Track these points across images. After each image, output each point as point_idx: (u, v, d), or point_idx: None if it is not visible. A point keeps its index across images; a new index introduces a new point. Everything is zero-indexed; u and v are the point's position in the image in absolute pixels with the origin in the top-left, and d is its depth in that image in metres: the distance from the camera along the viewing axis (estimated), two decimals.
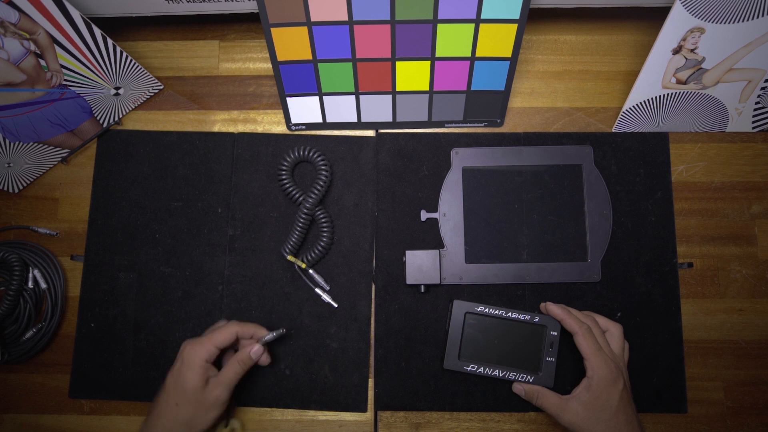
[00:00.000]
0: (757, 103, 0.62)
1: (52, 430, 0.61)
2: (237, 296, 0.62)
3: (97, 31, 0.56)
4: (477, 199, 0.63)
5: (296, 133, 0.66)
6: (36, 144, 0.61)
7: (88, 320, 0.62)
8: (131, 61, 0.61)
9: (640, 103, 0.62)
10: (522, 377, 0.57)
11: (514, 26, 0.56)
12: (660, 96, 0.61)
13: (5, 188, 0.64)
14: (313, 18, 0.55)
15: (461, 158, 0.63)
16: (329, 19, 0.55)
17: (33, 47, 0.53)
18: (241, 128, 0.67)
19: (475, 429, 0.60)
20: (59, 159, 0.66)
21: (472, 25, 0.56)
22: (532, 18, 0.59)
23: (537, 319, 0.58)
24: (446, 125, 0.66)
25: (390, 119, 0.66)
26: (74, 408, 0.62)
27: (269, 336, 0.55)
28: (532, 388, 0.56)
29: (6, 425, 0.62)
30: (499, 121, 0.66)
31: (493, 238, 0.62)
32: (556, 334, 0.58)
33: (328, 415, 0.61)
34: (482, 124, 0.66)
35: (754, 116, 0.64)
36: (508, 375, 0.57)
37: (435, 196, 0.63)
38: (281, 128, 0.67)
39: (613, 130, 0.65)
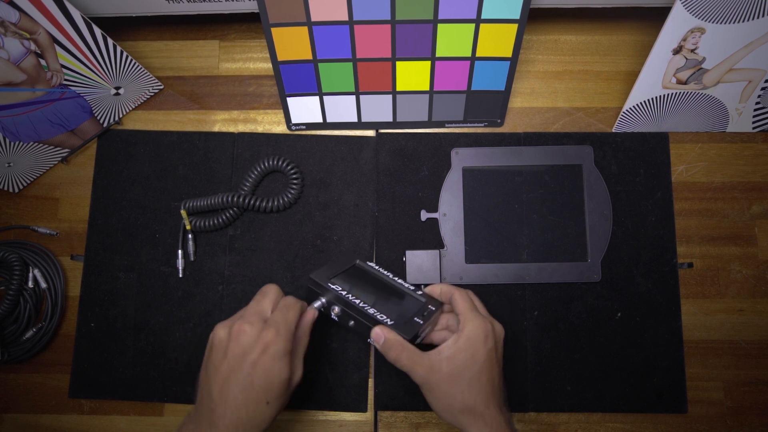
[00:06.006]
0: (757, 103, 0.62)
1: (52, 430, 0.61)
2: (237, 296, 0.62)
3: (98, 31, 0.56)
4: (477, 199, 0.63)
5: (296, 133, 0.66)
6: (36, 144, 0.61)
7: (88, 320, 0.62)
8: (131, 60, 0.61)
9: (641, 103, 0.62)
10: (382, 317, 0.48)
11: (515, 26, 0.56)
12: (660, 96, 0.61)
13: (5, 188, 0.64)
14: (314, 18, 0.55)
15: (461, 158, 0.63)
16: (329, 19, 0.55)
17: (33, 47, 0.53)
18: (241, 128, 0.67)
19: None
20: (59, 159, 0.66)
21: (473, 25, 0.56)
22: (532, 18, 0.59)
23: (420, 293, 0.54)
24: (446, 125, 0.66)
25: (390, 119, 0.66)
26: (74, 408, 0.62)
27: (317, 302, 0.50)
28: (395, 339, 0.47)
29: (6, 425, 0.61)
30: (499, 121, 0.66)
31: (493, 238, 0.62)
32: (434, 309, 0.52)
33: (328, 415, 0.61)
34: (482, 124, 0.66)
35: (754, 116, 0.64)
36: (368, 309, 0.49)
37: (435, 196, 0.63)
38: (281, 128, 0.67)
39: (614, 130, 0.65)
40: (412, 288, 0.55)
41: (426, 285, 0.57)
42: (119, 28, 0.66)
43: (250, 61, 0.68)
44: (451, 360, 0.46)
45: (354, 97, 0.63)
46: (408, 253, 0.61)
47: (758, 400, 0.61)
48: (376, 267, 0.57)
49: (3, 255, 0.61)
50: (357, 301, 0.49)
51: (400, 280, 0.56)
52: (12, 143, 0.59)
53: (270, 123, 0.67)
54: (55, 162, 0.66)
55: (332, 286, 0.50)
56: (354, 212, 0.64)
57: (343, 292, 0.50)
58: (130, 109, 0.67)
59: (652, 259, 0.62)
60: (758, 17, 0.52)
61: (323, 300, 0.51)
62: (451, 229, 0.62)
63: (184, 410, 0.61)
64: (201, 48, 0.68)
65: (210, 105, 0.68)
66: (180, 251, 0.62)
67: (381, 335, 0.47)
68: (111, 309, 0.62)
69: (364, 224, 0.63)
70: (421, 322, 0.49)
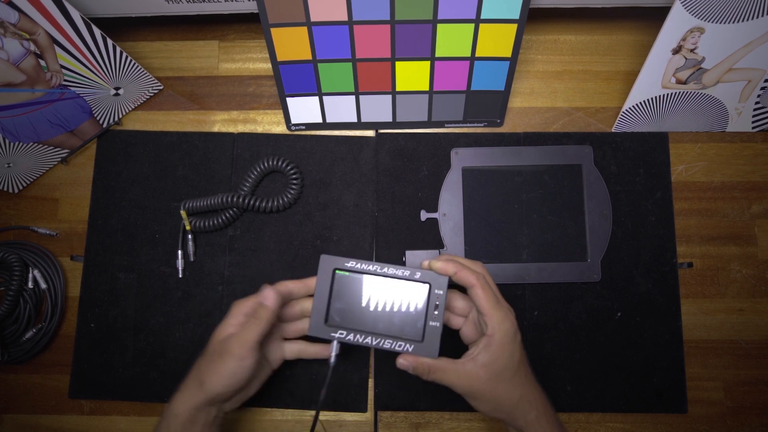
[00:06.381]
0: (756, 102, 0.62)
1: (52, 430, 0.61)
2: (237, 296, 0.62)
3: (97, 32, 0.56)
4: (477, 199, 0.63)
5: (296, 133, 0.66)
6: (36, 144, 0.61)
7: (88, 320, 0.62)
8: (131, 61, 0.61)
9: (640, 103, 0.62)
10: (400, 345, 0.48)
11: (514, 26, 0.56)
12: (660, 96, 0.61)
13: (5, 188, 0.64)
14: (313, 18, 0.55)
15: (461, 158, 0.63)
16: (329, 19, 0.55)
17: (33, 47, 0.53)
18: (241, 128, 0.67)
19: (475, 429, 0.60)
20: (59, 159, 0.66)
21: (472, 25, 0.56)
22: (531, 18, 0.59)
23: (419, 274, 0.49)
24: (446, 125, 0.66)
25: (390, 119, 0.66)
26: (74, 408, 0.62)
27: (334, 350, 0.50)
28: (421, 363, 0.47)
29: (6, 425, 0.62)
30: (499, 121, 0.66)
31: (493, 238, 0.62)
32: (441, 293, 0.48)
33: (328, 415, 0.61)
34: (482, 124, 0.66)
35: (753, 116, 0.64)
36: (383, 343, 0.48)
37: (435, 196, 0.63)
38: (281, 128, 0.67)
39: (613, 130, 0.65)
40: (407, 273, 0.49)
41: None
42: (119, 28, 0.66)
43: (249, 61, 0.68)
44: (488, 366, 0.46)
45: (354, 97, 0.63)
46: (408, 253, 0.61)
47: (758, 400, 0.61)
48: (357, 266, 0.50)
49: (3, 255, 0.61)
50: (368, 341, 0.48)
51: (391, 270, 0.49)
52: (12, 144, 0.59)
53: (270, 123, 0.67)
54: (55, 162, 0.66)
55: (336, 335, 0.49)
56: (354, 212, 0.64)
57: (351, 336, 0.49)
58: (130, 109, 0.67)
59: (652, 259, 0.62)
60: (758, 17, 0.52)
61: (336, 344, 0.50)
62: (451, 229, 0.62)
63: None
64: (201, 48, 0.68)
65: (210, 105, 0.68)
66: (180, 251, 0.62)
67: (408, 365, 0.47)
68: (111, 309, 0.62)
69: (364, 224, 0.63)
70: (438, 324, 0.48)
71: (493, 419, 0.50)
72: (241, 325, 0.49)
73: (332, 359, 0.50)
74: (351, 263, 0.49)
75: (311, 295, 0.51)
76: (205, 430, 0.48)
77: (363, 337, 0.48)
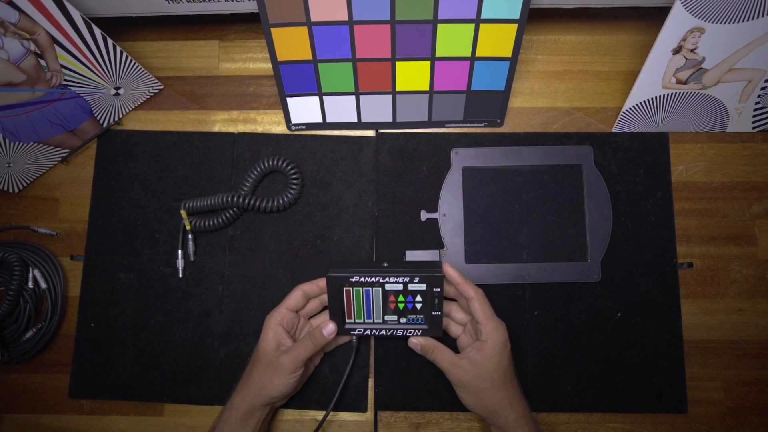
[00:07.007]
0: (757, 103, 0.62)
1: (52, 430, 0.61)
2: (237, 296, 0.62)
3: (97, 31, 0.56)
4: (477, 199, 0.63)
5: (296, 133, 0.66)
6: (36, 144, 0.61)
7: (88, 320, 0.62)
8: (131, 61, 0.61)
9: (640, 103, 0.62)
10: (410, 332, 0.56)
11: (514, 26, 0.56)
12: (660, 96, 0.61)
13: (5, 188, 0.64)
14: (313, 18, 0.55)
15: (461, 158, 0.63)
16: (329, 19, 0.55)
17: (33, 47, 0.53)
18: (241, 128, 0.67)
19: (475, 429, 0.60)
20: (59, 159, 0.66)
21: (472, 25, 0.56)
22: (532, 18, 0.59)
23: (417, 279, 0.54)
24: (446, 125, 0.66)
25: (390, 119, 0.66)
26: (74, 408, 0.62)
27: (353, 341, 0.57)
28: (428, 342, 0.55)
29: (6, 425, 0.62)
30: (499, 121, 0.66)
31: (493, 238, 0.62)
32: (439, 290, 0.54)
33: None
34: (482, 124, 0.66)
35: (754, 116, 0.64)
36: (396, 332, 0.56)
37: (435, 196, 0.63)
38: (281, 128, 0.67)
39: (613, 130, 0.65)
40: (407, 280, 0.53)
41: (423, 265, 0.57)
42: (119, 28, 0.66)
43: (250, 61, 0.68)
44: (478, 366, 0.52)
45: (354, 97, 0.63)
46: (408, 253, 0.61)
47: (758, 400, 0.61)
48: (361, 279, 0.54)
49: (3, 255, 0.61)
50: (383, 332, 0.56)
51: (392, 278, 0.53)
52: (12, 143, 0.59)
53: (270, 123, 0.67)
54: (55, 162, 0.66)
55: (355, 332, 0.56)
56: (354, 212, 0.64)
57: (368, 331, 0.56)
58: (130, 109, 0.67)
59: (652, 259, 0.62)
60: (758, 17, 0.52)
61: (354, 337, 0.57)
62: (451, 229, 0.62)
63: (185, 410, 0.61)
64: (201, 48, 0.68)
65: (210, 105, 0.68)
66: (180, 251, 0.62)
67: (417, 344, 0.55)
68: (111, 309, 0.62)
69: (364, 224, 0.63)
70: (440, 313, 0.55)
71: (477, 415, 0.56)
72: (280, 336, 0.55)
73: (354, 341, 0.58)
74: (355, 278, 0.54)
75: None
76: (259, 423, 0.54)
77: (378, 330, 0.56)
